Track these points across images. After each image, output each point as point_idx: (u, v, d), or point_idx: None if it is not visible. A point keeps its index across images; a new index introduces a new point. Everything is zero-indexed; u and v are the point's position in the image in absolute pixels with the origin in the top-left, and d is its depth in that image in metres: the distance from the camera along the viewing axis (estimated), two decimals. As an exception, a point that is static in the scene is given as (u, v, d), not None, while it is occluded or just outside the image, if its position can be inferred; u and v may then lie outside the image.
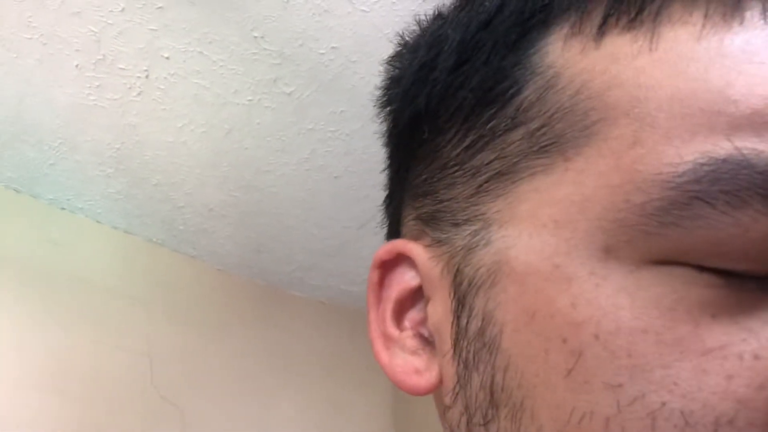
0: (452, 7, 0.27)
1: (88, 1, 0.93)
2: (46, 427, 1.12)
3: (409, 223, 0.28)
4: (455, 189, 0.25)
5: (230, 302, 1.49)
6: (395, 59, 0.29)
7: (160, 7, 0.95)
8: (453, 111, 0.25)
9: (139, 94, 1.08)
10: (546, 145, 0.22)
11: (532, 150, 0.22)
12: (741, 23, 0.20)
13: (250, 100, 1.10)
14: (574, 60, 0.22)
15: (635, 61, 0.21)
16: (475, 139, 0.24)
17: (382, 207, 0.33)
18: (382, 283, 0.27)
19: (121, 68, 1.03)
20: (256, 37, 0.99)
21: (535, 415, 0.21)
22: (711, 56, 0.20)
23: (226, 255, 1.46)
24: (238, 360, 1.44)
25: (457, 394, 0.24)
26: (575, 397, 0.20)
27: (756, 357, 0.18)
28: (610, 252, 0.20)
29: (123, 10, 0.95)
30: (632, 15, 0.21)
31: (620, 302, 0.19)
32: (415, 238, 0.27)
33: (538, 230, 0.22)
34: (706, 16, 0.20)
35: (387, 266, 0.27)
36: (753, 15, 0.20)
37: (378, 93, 0.30)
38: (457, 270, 0.24)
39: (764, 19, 0.20)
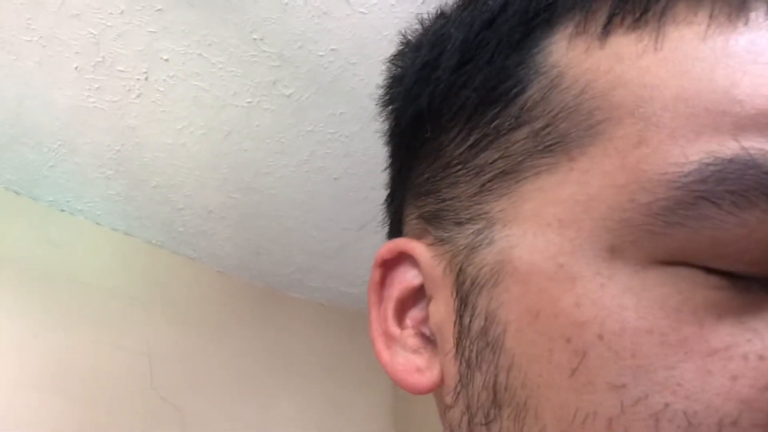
0: (455, 6, 0.27)
1: (87, 3, 0.93)
2: (45, 427, 1.12)
3: (411, 222, 0.28)
4: (458, 188, 0.25)
5: (230, 304, 1.49)
6: (398, 58, 0.29)
7: (159, 10, 0.95)
8: (456, 110, 0.25)
9: (138, 96, 1.08)
10: (550, 145, 0.22)
11: (536, 149, 0.22)
12: (746, 23, 0.20)
13: (249, 102, 1.10)
14: (578, 59, 0.22)
15: (640, 61, 0.21)
16: (478, 138, 0.24)
17: (384, 206, 0.32)
18: (383, 281, 0.27)
19: (120, 70, 1.03)
20: (255, 39, 0.99)
21: (538, 415, 0.21)
22: (716, 56, 0.20)
23: (226, 257, 1.46)
24: (237, 361, 1.44)
25: (459, 393, 0.24)
26: (579, 397, 0.19)
27: (761, 358, 0.18)
28: (615, 252, 0.20)
29: (122, 12, 0.95)
30: (637, 15, 0.21)
31: (625, 302, 0.19)
32: (417, 237, 0.27)
33: (542, 229, 0.22)
34: (711, 16, 0.20)
35: (389, 265, 0.27)
36: (758, 15, 0.20)
37: (379, 92, 0.30)
38: (460, 269, 0.24)
39: None
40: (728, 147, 0.18)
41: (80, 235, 1.32)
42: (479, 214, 0.24)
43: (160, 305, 1.36)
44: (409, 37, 0.29)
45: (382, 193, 0.33)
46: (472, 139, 0.25)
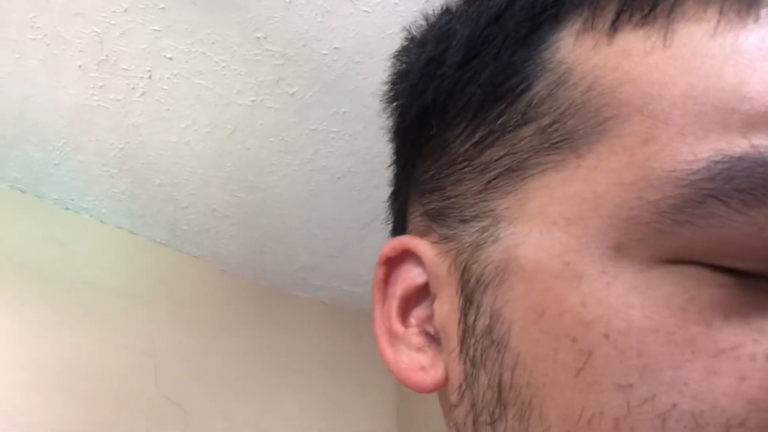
0: (461, 1, 0.26)
1: (91, 1, 0.93)
2: (50, 425, 1.13)
3: (415, 219, 0.28)
4: (463, 185, 0.25)
5: (233, 302, 1.49)
6: (402, 54, 0.29)
7: (162, 8, 0.95)
8: (462, 106, 0.25)
9: (142, 94, 1.08)
10: (557, 142, 0.22)
11: (543, 146, 0.22)
12: (756, 20, 0.20)
13: (253, 101, 1.10)
14: (586, 56, 0.22)
15: (648, 58, 0.21)
16: (484, 134, 0.24)
17: (388, 203, 0.32)
18: (387, 279, 0.27)
19: (124, 69, 1.03)
20: (258, 37, 0.99)
21: (543, 414, 0.20)
22: (726, 53, 0.19)
23: (229, 255, 1.46)
24: (240, 359, 1.44)
25: (464, 392, 0.23)
26: (585, 397, 0.19)
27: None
28: (621, 250, 0.20)
29: (126, 10, 0.95)
30: (646, 11, 0.21)
31: (631, 301, 0.19)
32: (422, 235, 0.27)
33: (548, 227, 0.21)
34: (720, 12, 0.20)
35: (393, 263, 0.27)
36: None
37: (384, 89, 0.30)
38: (465, 267, 0.24)
39: None
40: (737, 145, 0.18)
41: (85, 234, 1.32)
42: (484, 212, 0.24)
43: (164, 304, 1.36)
44: (414, 33, 0.29)
45: (386, 192, 0.32)
46: (477, 136, 0.24)
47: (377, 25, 0.98)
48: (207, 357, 1.39)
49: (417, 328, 0.26)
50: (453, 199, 0.25)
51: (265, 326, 1.52)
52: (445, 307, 0.25)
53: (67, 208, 1.32)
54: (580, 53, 0.22)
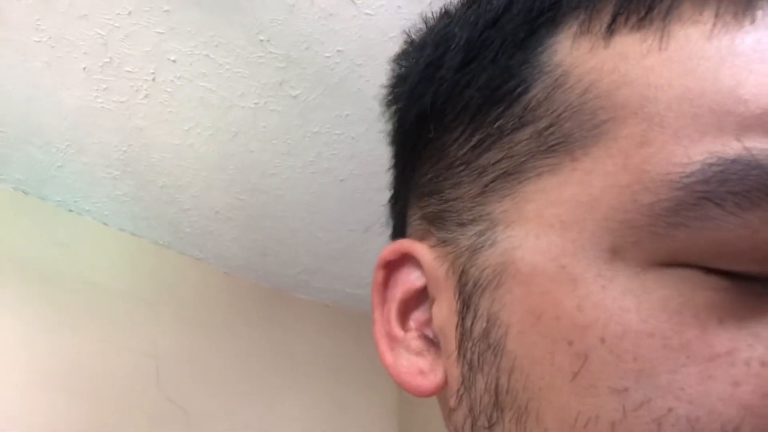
0: (459, 5, 0.27)
1: (95, 4, 0.94)
2: (52, 427, 1.13)
3: (414, 222, 0.28)
4: (461, 188, 0.25)
5: (236, 304, 1.49)
6: (401, 57, 0.29)
7: (166, 11, 0.95)
8: (459, 110, 0.25)
9: (145, 96, 1.08)
10: (554, 145, 0.22)
11: (539, 149, 0.22)
12: (752, 22, 0.20)
13: (256, 103, 1.10)
14: (582, 59, 0.22)
15: (645, 60, 0.21)
16: (481, 138, 0.24)
17: (387, 206, 0.32)
18: (386, 283, 0.27)
19: (127, 71, 1.04)
20: (262, 40, 0.99)
21: (540, 418, 0.20)
22: (722, 55, 0.19)
23: (232, 257, 1.46)
24: (243, 361, 1.44)
25: (462, 396, 0.23)
26: (581, 400, 0.19)
27: (763, 363, 0.17)
28: (616, 253, 0.20)
29: (130, 13, 0.95)
30: (642, 14, 0.21)
31: (626, 305, 0.19)
32: (421, 238, 0.27)
33: (544, 231, 0.21)
34: (717, 15, 0.20)
35: (392, 266, 0.27)
36: (765, 14, 0.20)
37: (384, 92, 0.30)
38: (462, 270, 0.24)
39: None
40: (731, 147, 0.18)
41: (87, 235, 1.32)
42: (482, 215, 0.24)
43: (166, 305, 1.37)
44: (414, 36, 0.29)
45: (388, 195, 0.32)
46: (475, 140, 0.24)
47: (380, 28, 0.98)
48: (209, 359, 1.39)
49: (416, 332, 0.26)
50: (451, 203, 0.25)
51: (267, 328, 1.52)
52: (444, 311, 0.25)
53: (70, 210, 1.32)
54: (576, 56, 0.22)
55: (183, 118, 1.12)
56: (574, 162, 0.21)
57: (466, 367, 0.23)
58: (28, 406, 1.12)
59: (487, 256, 0.23)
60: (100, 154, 1.19)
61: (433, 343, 0.26)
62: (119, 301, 1.30)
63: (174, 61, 1.02)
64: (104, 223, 1.35)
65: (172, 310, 1.37)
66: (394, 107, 0.29)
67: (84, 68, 1.03)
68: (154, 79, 1.05)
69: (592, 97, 0.21)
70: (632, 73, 0.21)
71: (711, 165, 0.18)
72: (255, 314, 1.51)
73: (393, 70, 0.29)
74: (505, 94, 0.23)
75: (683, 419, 0.18)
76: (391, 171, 0.31)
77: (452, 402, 0.24)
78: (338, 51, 1.01)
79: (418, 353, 0.25)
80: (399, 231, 0.30)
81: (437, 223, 0.26)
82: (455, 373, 0.24)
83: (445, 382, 0.24)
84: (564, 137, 0.22)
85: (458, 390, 0.24)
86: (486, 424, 0.22)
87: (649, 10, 0.21)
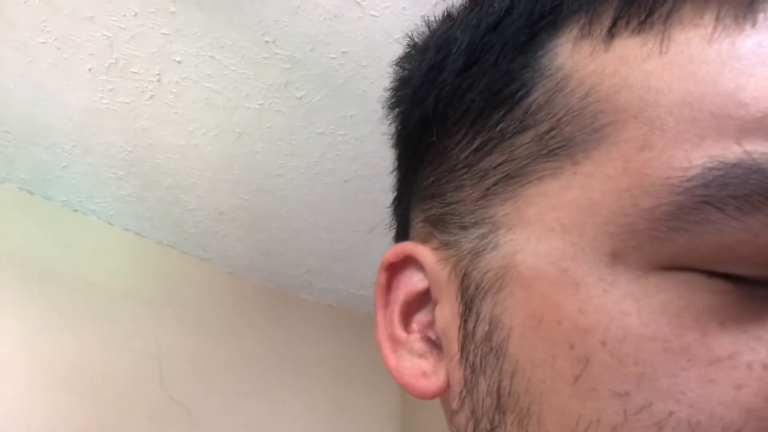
0: (461, 8, 0.27)
1: (101, 5, 0.94)
2: (55, 426, 1.13)
3: (417, 225, 0.28)
4: (463, 191, 0.25)
5: (239, 305, 1.49)
6: (404, 60, 0.29)
7: (172, 12, 0.95)
8: (461, 113, 0.25)
9: (151, 97, 1.08)
10: (555, 149, 0.22)
11: (540, 153, 0.22)
12: (753, 25, 0.20)
13: (261, 104, 1.10)
14: (583, 62, 0.22)
15: (645, 64, 0.20)
16: (483, 141, 0.24)
17: (391, 209, 0.32)
18: (389, 285, 0.27)
19: (133, 72, 1.04)
20: (267, 41, 1.00)
21: (541, 421, 0.20)
22: (722, 59, 0.19)
23: (236, 258, 1.46)
24: (246, 362, 1.44)
25: (464, 398, 0.24)
26: (582, 404, 0.19)
27: (765, 367, 0.17)
28: (617, 257, 0.20)
29: (136, 14, 0.95)
30: (642, 17, 0.21)
31: (627, 308, 0.19)
32: (423, 241, 0.27)
33: (545, 234, 0.21)
34: (717, 18, 0.20)
35: (395, 269, 0.27)
36: (766, 17, 0.20)
37: (387, 95, 0.30)
38: (465, 273, 0.24)
39: None
40: (732, 151, 0.18)
41: (92, 236, 1.33)
42: (484, 218, 0.24)
43: (170, 306, 1.37)
44: (416, 40, 0.29)
45: (392, 196, 0.33)
46: (477, 143, 0.24)
47: (385, 30, 0.98)
48: (213, 359, 1.39)
49: (419, 334, 0.26)
50: (453, 206, 0.25)
51: (271, 329, 1.52)
52: (446, 314, 0.25)
53: (75, 210, 1.33)
54: (577, 60, 0.22)
55: (188, 118, 1.12)
56: (575, 166, 0.21)
57: (469, 369, 0.23)
58: (30, 406, 1.12)
59: (489, 259, 0.23)
60: (105, 154, 1.19)
61: (435, 345, 0.26)
62: (123, 300, 1.30)
63: (179, 62, 1.03)
64: (109, 223, 1.36)
65: (176, 310, 1.37)
66: (396, 110, 0.29)
67: (89, 69, 1.03)
68: (159, 80, 1.06)
69: (593, 100, 0.21)
70: (633, 77, 0.21)
71: (712, 169, 0.18)
72: (259, 314, 1.52)
73: (395, 73, 0.29)
74: (507, 98, 0.23)
75: (684, 423, 0.18)
76: (394, 173, 0.31)
77: (455, 404, 0.24)
78: (343, 52, 1.01)
79: (421, 355, 0.26)
80: (402, 233, 0.30)
81: (440, 225, 0.26)
82: (457, 375, 0.24)
83: (448, 385, 0.24)
84: (565, 141, 0.22)
85: (460, 392, 0.24)
86: (488, 427, 0.22)
87: (650, 13, 0.21)
